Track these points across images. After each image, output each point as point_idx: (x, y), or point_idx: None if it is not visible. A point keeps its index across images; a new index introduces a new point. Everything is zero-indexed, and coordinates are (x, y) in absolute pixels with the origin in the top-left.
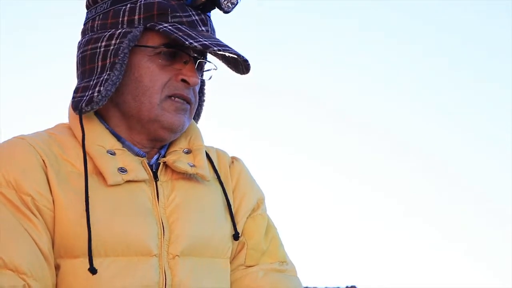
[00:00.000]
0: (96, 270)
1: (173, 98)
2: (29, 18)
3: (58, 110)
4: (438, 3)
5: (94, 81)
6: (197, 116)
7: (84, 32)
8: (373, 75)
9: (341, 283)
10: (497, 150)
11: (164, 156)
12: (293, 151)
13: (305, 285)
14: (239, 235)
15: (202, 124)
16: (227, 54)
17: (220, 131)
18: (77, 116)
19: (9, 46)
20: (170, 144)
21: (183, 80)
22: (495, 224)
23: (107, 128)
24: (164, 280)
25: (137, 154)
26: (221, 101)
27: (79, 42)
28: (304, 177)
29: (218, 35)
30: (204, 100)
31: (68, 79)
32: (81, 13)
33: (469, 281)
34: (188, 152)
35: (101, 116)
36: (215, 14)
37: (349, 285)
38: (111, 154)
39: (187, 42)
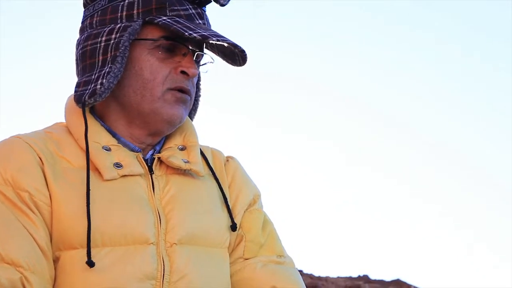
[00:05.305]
0: (94, 263)
1: (173, 91)
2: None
3: (56, 108)
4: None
5: (96, 75)
6: (193, 111)
7: (82, 30)
8: (380, 66)
9: (353, 272)
10: None
11: (159, 152)
12: (305, 137)
13: (317, 275)
14: (237, 226)
15: (208, 118)
16: (225, 44)
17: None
18: (75, 113)
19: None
20: (165, 140)
21: (183, 72)
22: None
23: (103, 125)
24: (163, 267)
25: (132, 150)
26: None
27: (78, 40)
28: (308, 175)
29: (216, 27)
30: (200, 95)
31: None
32: (78, 12)
33: (474, 276)
34: (183, 148)
35: (97, 114)
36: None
37: (361, 274)
38: (106, 150)
39: (186, 33)
